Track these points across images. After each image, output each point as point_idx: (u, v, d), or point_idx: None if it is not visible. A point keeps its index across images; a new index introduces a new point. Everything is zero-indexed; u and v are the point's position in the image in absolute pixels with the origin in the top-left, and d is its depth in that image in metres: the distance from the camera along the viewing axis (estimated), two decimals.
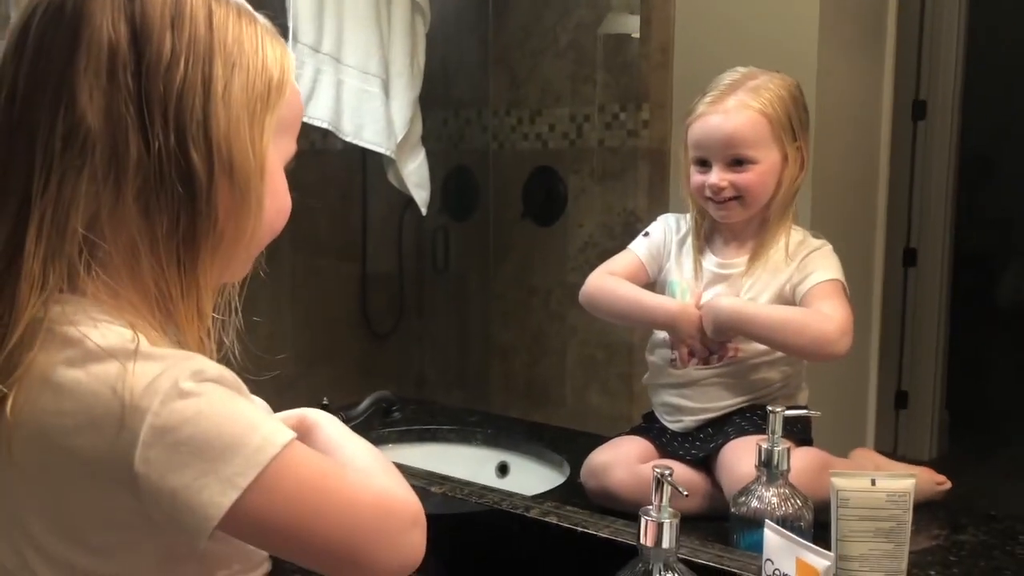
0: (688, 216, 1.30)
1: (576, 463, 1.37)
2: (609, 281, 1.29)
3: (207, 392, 0.59)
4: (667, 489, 0.84)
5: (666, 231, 1.31)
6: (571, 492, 1.26)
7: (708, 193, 1.22)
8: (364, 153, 2.00)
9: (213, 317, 0.68)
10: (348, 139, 1.72)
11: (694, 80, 1.36)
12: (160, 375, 0.58)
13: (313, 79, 1.65)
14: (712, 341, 1.21)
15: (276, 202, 0.69)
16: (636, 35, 2.10)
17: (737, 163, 1.20)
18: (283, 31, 1.69)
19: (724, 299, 1.21)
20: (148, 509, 0.59)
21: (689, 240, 1.29)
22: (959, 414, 2.51)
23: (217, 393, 0.60)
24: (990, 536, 1.14)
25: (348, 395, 1.43)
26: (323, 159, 2.07)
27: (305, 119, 1.68)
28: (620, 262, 1.31)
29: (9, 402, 0.59)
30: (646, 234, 1.32)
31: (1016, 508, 1.23)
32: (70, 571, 0.62)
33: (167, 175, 0.62)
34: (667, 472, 0.85)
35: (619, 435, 1.31)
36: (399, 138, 1.78)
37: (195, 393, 0.58)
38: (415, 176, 1.85)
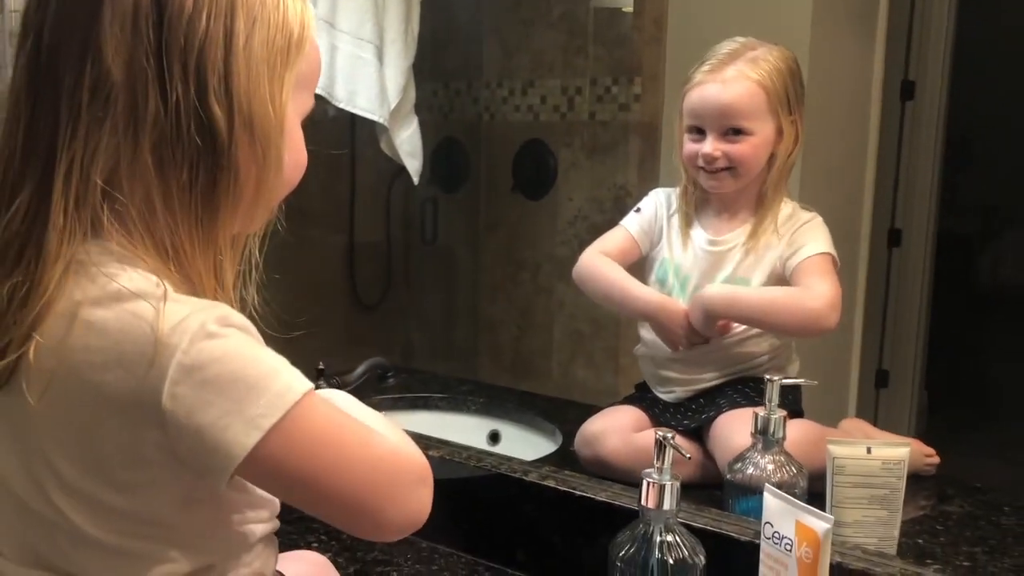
0: (678, 191, 1.30)
1: (567, 432, 1.38)
2: (600, 262, 1.29)
3: (232, 336, 0.60)
4: (669, 452, 0.85)
5: (657, 206, 1.31)
6: (563, 461, 1.26)
7: (701, 162, 1.22)
8: (353, 122, 1.99)
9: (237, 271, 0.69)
10: (341, 106, 1.71)
11: (688, 54, 1.36)
12: (188, 316, 0.59)
13: None
14: (699, 335, 1.21)
15: (293, 156, 0.69)
16: (627, 9, 2.10)
17: (732, 133, 1.20)
18: None
19: (711, 288, 1.22)
20: (174, 445, 0.59)
21: (677, 215, 1.29)
22: (937, 394, 2.54)
23: (242, 338, 0.61)
24: (975, 507, 1.16)
25: (335, 365, 1.42)
26: (311, 127, 2.05)
27: None
28: (613, 239, 1.31)
29: (33, 342, 0.59)
30: (637, 210, 1.32)
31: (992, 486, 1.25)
32: (94, 507, 0.62)
33: (184, 129, 0.62)
34: (669, 435, 0.85)
35: (612, 404, 1.32)
36: (392, 106, 1.77)
37: (221, 335, 0.59)
38: (408, 145, 1.84)
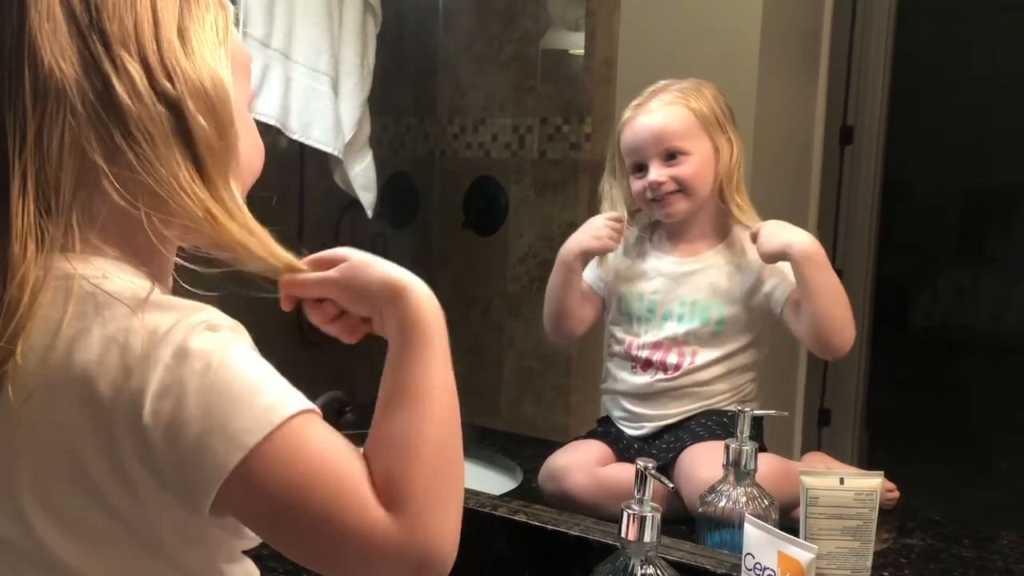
0: (631, 231, 1.31)
1: (527, 469, 1.36)
2: None
3: (220, 346, 0.57)
4: (650, 482, 0.84)
5: (602, 264, 1.33)
6: (526, 497, 1.24)
7: (649, 194, 1.24)
8: (303, 156, 1.97)
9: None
10: (296, 137, 1.68)
11: (638, 95, 1.39)
12: (173, 326, 0.57)
13: (262, 74, 1.61)
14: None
15: (250, 137, 0.68)
16: (575, 51, 2.12)
17: (671, 157, 1.22)
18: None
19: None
20: (157, 464, 0.56)
21: (635, 250, 1.31)
22: (876, 432, 2.58)
23: (230, 347, 0.57)
24: (936, 540, 1.18)
25: None
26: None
27: (253, 115, 1.64)
28: None
29: (14, 359, 0.56)
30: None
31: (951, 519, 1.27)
32: (83, 533, 0.58)
33: (128, 107, 0.60)
34: (650, 465, 0.84)
35: (576, 439, 1.31)
36: (347, 138, 1.75)
37: (208, 347, 0.56)
38: (362, 178, 1.82)
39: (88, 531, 0.58)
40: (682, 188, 1.23)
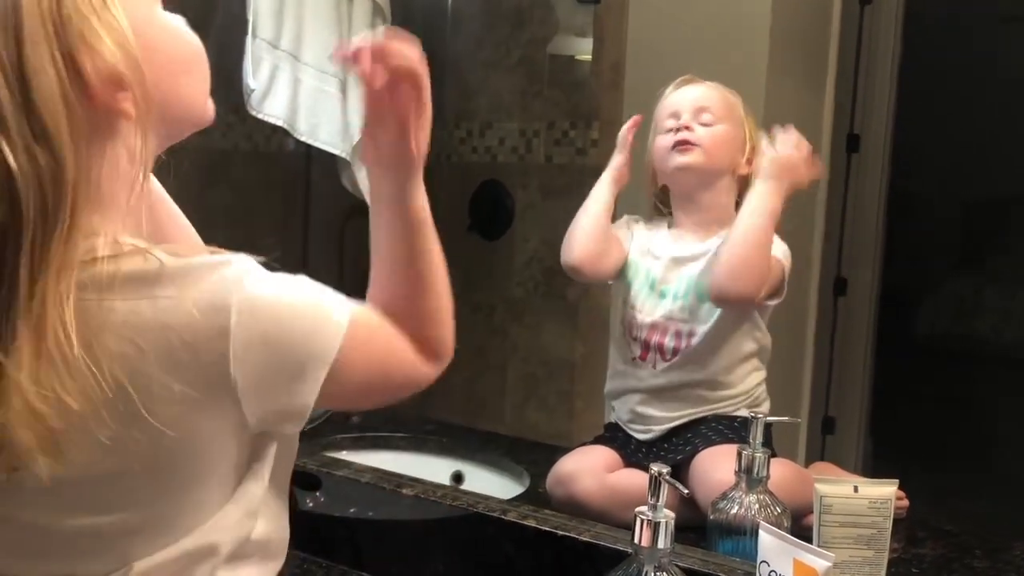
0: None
1: (533, 473, 1.35)
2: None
3: (251, 294, 0.60)
4: (664, 487, 0.83)
5: (629, 221, 1.34)
6: (532, 502, 1.23)
7: (676, 135, 1.25)
8: (308, 157, 1.96)
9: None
10: (303, 139, 1.68)
11: (646, 101, 1.39)
12: (214, 288, 0.58)
13: (271, 75, 1.61)
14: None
15: (172, 43, 0.67)
16: (582, 57, 2.12)
17: (703, 124, 1.25)
18: (243, 25, 1.64)
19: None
20: (247, 412, 0.60)
21: (651, 231, 1.31)
22: (881, 441, 2.57)
23: (257, 291, 0.60)
24: (948, 550, 1.17)
25: None
26: (266, 162, 2.02)
27: (261, 116, 1.64)
28: None
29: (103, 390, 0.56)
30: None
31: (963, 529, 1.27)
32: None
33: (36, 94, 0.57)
34: (664, 470, 0.83)
35: (583, 444, 1.30)
36: (355, 140, 1.74)
37: (258, 292, 0.60)
38: None
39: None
40: (703, 144, 1.23)
